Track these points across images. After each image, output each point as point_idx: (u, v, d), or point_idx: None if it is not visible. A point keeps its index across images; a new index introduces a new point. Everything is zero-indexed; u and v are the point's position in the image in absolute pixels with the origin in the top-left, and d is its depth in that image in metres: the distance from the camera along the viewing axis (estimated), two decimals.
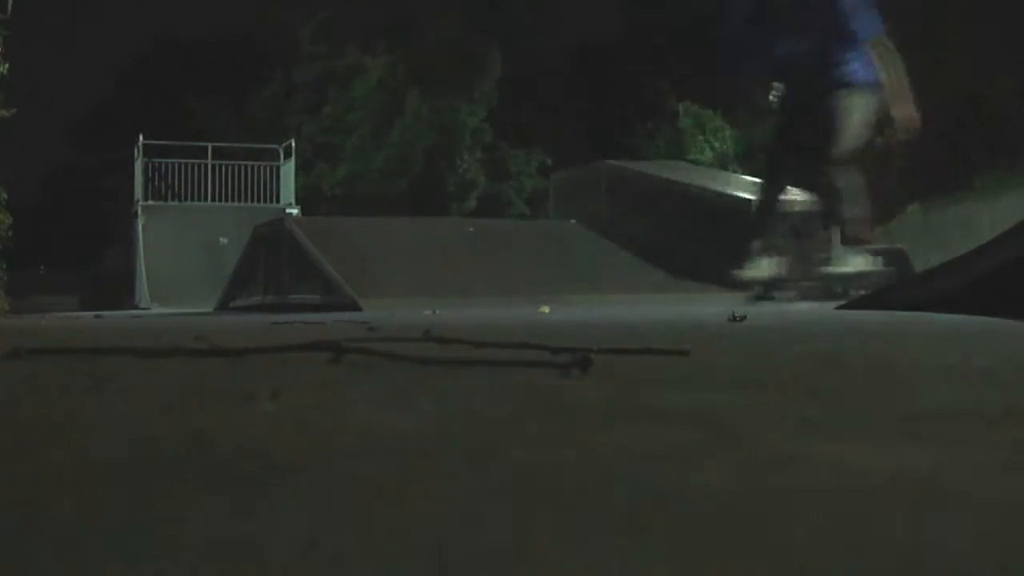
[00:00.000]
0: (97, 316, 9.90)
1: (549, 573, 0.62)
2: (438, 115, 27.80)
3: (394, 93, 27.81)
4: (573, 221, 14.27)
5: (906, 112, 6.61)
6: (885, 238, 18.62)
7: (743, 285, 7.62)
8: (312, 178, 26.14)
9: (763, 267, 7.50)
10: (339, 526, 0.73)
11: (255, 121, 27.66)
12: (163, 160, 19.54)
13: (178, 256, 17.26)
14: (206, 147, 19.69)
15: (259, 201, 19.37)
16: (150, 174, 19.26)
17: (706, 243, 12.23)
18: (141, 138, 19.28)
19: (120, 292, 19.36)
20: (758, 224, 7.58)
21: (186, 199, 19.16)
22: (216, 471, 0.96)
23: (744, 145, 23.75)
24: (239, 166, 19.75)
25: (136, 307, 16.53)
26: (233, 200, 19.31)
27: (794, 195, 12.37)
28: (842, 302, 6.36)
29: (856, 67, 6.64)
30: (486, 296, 10.12)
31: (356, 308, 8.97)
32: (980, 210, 16.94)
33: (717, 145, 24.69)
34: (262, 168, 19.89)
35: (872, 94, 6.69)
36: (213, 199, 19.27)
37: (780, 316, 5.47)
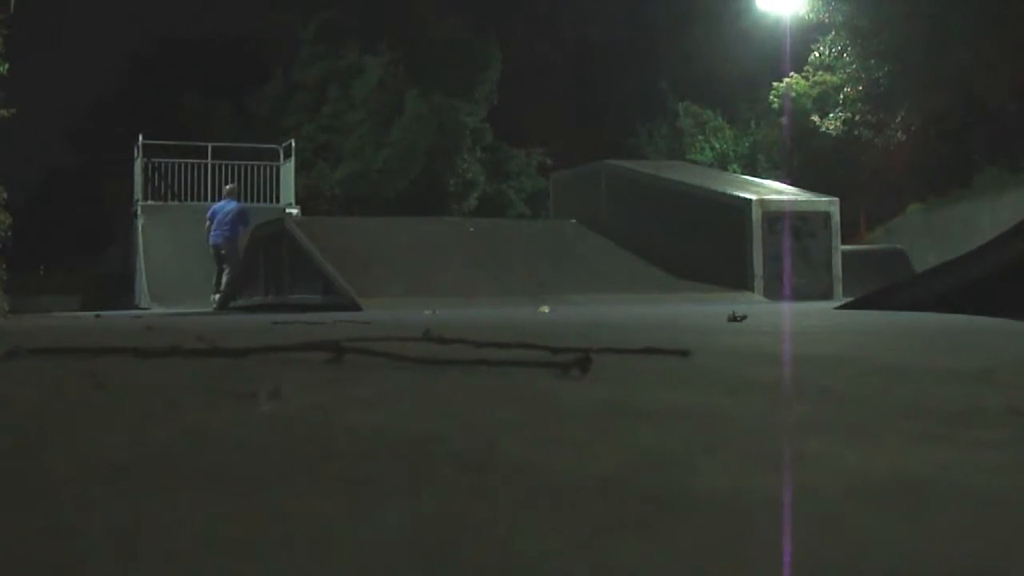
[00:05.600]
0: (97, 316, 9.90)
1: (549, 573, 0.62)
2: (438, 115, 27.75)
3: (394, 93, 27.78)
4: (573, 221, 14.26)
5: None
6: (885, 238, 18.65)
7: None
8: (312, 178, 26.11)
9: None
10: (338, 526, 0.73)
11: (255, 121, 27.64)
12: (163, 160, 19.50)
13: (178, 256, 17.24)
14: (206, 147, 19.65)
15: (259, 201, 19.35)
16: (150, 174, 19.23)
17: (706, 243, 12.22)
18: (141, 138, 19.23)
19: (120, 292, 19.34)
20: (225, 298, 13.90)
21: (186, 199, 19.13)
22: (216, 471, 0.96)
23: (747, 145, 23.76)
24: (239, 166, 19.71)
25: (136, 307, 16.51)
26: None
27: (793, 195, 12.32)
28: (842, 302, 6.38)
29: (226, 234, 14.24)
30: (486, 296, 10.11)
31: (356, 308, 8.96)
32: (980, 210, 16.93)
33: (717, 145, 24.68)
34: (262, 168, 19.86)
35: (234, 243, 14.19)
36: (213, 199, 19.23)
37: (780, 317, 5.47)
